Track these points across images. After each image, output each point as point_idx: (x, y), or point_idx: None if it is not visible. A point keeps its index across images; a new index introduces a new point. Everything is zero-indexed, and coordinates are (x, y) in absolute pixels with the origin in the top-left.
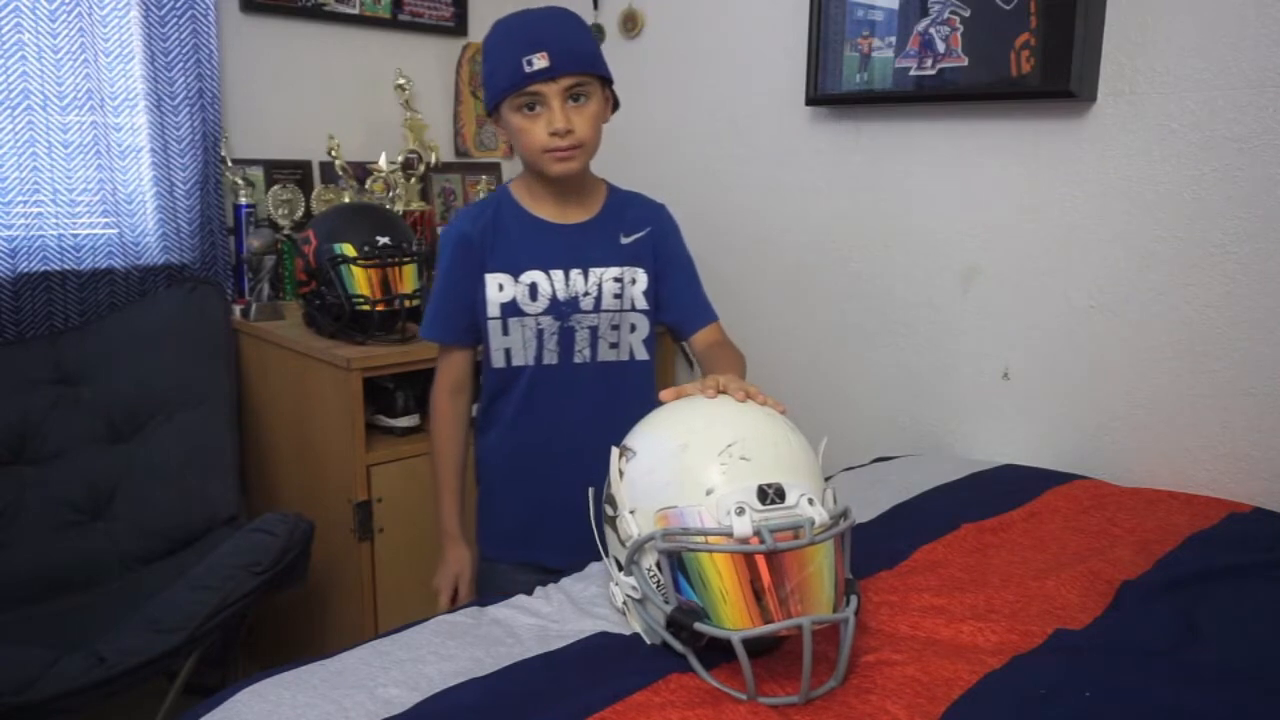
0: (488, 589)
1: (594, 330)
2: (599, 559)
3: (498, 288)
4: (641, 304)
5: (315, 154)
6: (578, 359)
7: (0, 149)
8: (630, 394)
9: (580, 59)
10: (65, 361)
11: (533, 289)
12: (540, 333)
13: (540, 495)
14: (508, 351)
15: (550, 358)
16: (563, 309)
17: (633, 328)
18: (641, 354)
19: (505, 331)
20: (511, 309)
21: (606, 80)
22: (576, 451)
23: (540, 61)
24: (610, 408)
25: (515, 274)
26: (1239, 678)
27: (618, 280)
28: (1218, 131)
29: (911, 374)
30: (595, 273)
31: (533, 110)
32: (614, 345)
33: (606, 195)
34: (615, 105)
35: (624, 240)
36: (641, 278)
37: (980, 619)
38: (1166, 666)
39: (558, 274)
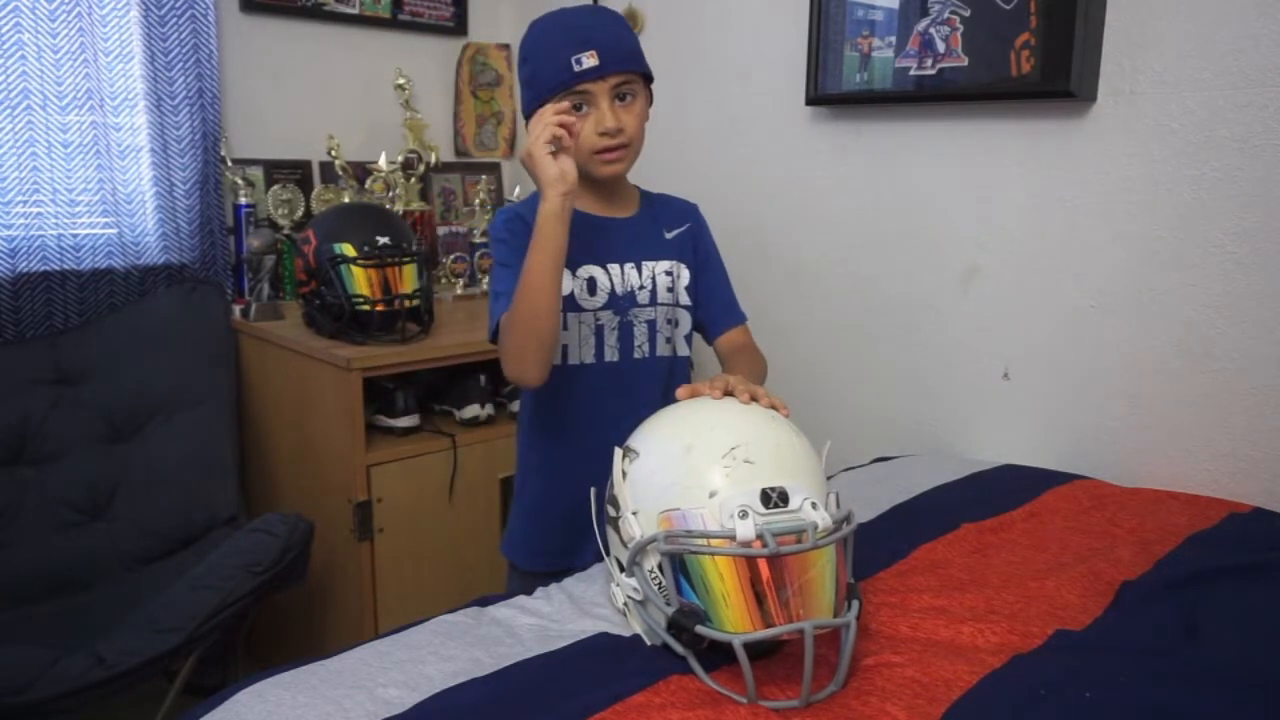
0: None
1: (651, 324)
2: None
3: None
4: (685, 299)
5: (315, 154)
6: (637, 354)
7: (0, 149)
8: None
9: (628, 57)
10: (65, 361)
11: (591, 283)
12: (600, 328)
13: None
14: (564, 349)
15: (611, 354)
16: (621, 303)
17: (676, 323)
18: (684, 350)
19: (564, 327)
20: (570, 304)
21: (649, 78)
22: None
23: (590, 60)
24: (663, 405)
25: (572, 269)
26: (1239, 678)
27: (669, 274)
28: (1218, 131)
29: (911, 374)
30: (648, 266)
31: (580, 110)
32: (669, 340)
33: (640, 194)
34: (651, 101)
35: (668, 235)
36: (685, 273)
37: (980, 619)
38: (1167, 666)
39: (614, 268)
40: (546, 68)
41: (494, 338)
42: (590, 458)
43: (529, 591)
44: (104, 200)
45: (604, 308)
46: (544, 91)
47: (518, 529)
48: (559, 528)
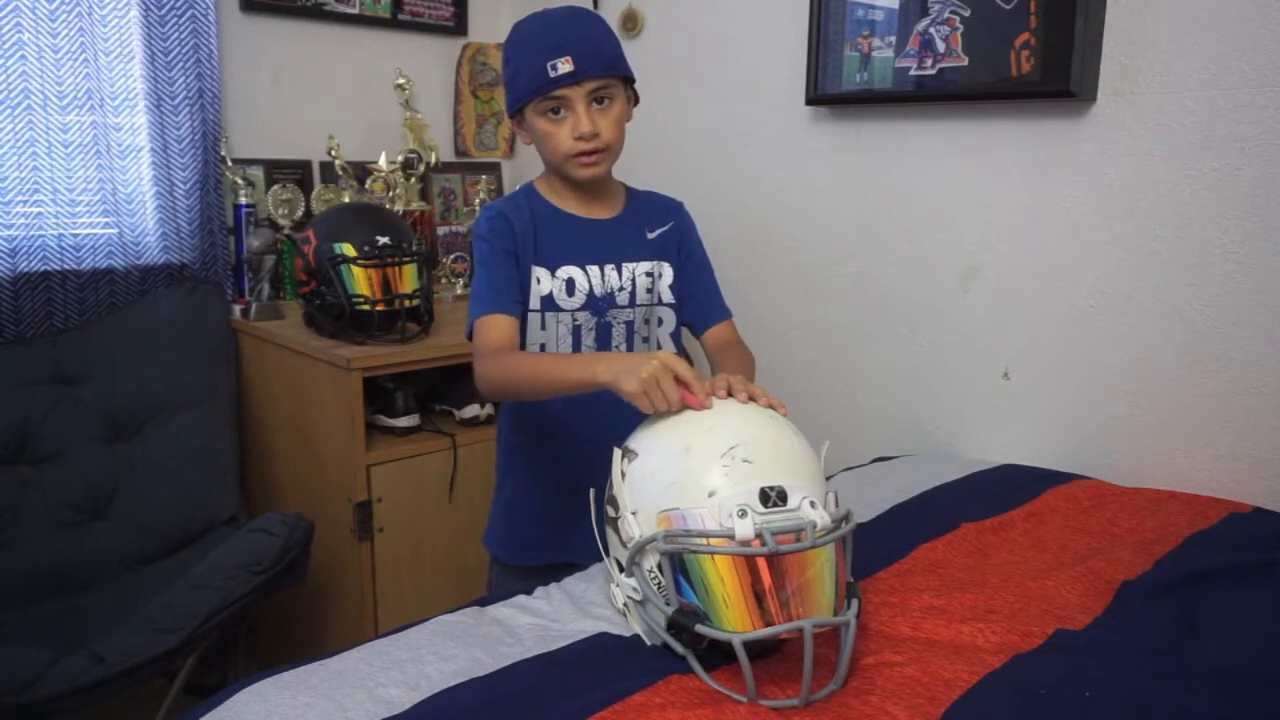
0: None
1: (630, 325)
2: None
3: (535, 281)
4: (668, 298)
5: (315, 154)
6: None
7: (0, 149)
8: None
9: (605, 62)
10: (65, 361)
11: (569, 284)
12: (577, 328)
13: (576, 492)
14: (543, 347)
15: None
16: (599, 304)
17: (660, 321)
18: (668, 347)
19: (542, 326)
20: (549, 304)
21: (629, 80)
22: (611, 448)
23: (565, 66)
24: None
25: (552, 269)
26: (1239, 678)
27: (649, 274)
28: (1218, 131)
29: (912, 374)
30: (628, 267)
31: (557, 114)
32: (646, 339)
33: (626, 193)
34: (635, 100)
35: (650, 235)
36: (667, 272)
37: (980, 619)
38: (1166, 666)
39: (594, 269)
40: (525, 72)
41: (470, 336)
42: (569, 456)
43: (511, 585)
44: (104, 200)
45: (581, 308)
46: (523, 95)
47: (499, 525)
48: (540, 524)
